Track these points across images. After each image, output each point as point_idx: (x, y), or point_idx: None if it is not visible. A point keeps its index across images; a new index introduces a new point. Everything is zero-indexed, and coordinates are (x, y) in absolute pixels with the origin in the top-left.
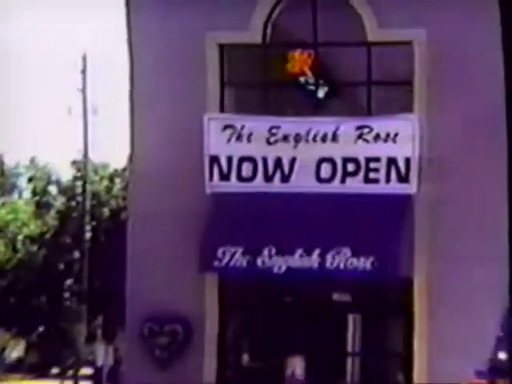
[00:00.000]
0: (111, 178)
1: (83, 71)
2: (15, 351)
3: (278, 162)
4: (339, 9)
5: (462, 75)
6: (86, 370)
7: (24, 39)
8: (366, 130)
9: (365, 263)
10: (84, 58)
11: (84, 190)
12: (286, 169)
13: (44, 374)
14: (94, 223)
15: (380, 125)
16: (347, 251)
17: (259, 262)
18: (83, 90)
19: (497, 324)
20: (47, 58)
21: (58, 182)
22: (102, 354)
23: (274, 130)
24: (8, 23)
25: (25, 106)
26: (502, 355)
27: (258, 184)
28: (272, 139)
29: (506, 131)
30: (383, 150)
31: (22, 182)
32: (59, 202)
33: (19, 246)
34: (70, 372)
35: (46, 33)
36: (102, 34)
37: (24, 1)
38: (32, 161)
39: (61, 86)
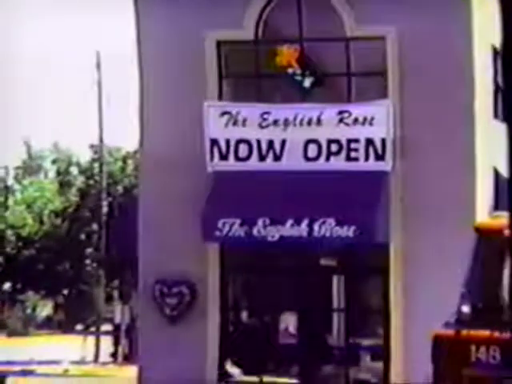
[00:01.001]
0: (124, 160)
1: (98, 65)
2: (44, 310)
3: (270, 144)
4: (321, 9)
5: (428, 66)
6: (106, 327)
7: (47, 37)
8: (347, 115)
9: (347, 231)
10: (98, 54)
11: (101, 170)
12: (278, 149)
13: (70, 330)
14: (109, 199)
15: (358, 110)
16: (332, 221)
17: (255, 231)
18: (98, 82)
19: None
20: (69, 54)
21: (78, 164)
22: (119, 313)
23: (265, 116)
24: (31, 23)
25: (48, 97)
26: (465, 308)
27: (253, 163)
28: (264, 124)
29: (471, 116)
30: (362, 132)
31: (47, 164)
32: (79, 181)
33: (45, 219)
34: (93, 328)
35: (65, 32)
36: (115, 32)
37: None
38: (55, 145)
39: (78, 79)
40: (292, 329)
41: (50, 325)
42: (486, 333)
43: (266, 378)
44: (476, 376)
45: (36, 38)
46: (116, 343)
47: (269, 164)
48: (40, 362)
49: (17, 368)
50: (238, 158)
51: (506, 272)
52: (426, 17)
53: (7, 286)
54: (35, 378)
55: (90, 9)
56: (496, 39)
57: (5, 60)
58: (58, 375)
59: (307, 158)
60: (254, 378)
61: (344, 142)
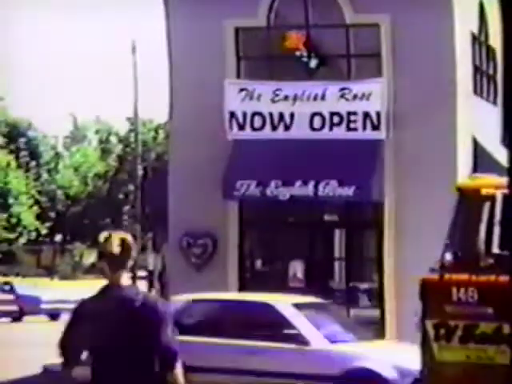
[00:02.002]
0: (156, 130)
1: (133, 50)
2: (89, 258)
3: (281, 116)
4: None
5: (417, 49)
6: (141, 273)
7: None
8: (347, 91)
9: (347, 191)
10: (133, 41)
11: (136, 139)
12: (287, 121)
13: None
14: (144, 164)
15: (357, 87)
16: (334, 182)
17: (268, 191)
18: (134, 64)
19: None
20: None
21: (116, 134)
22: (153, 261)
23: (277, 92)
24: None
25: (91, 77)
26: (448, 256)
27: (267, 133)
28: (276, 99)
29: (453, 91)
30: (360, 106)
31: (91, 133)
32: (118, 149)
33: (89, 181)
34: (130, 274)
35: (104, 22)
36: (148, 21)
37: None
38: (97, 118)
39: (117, 62)
40: (300, 274)
41: (94, 270)
42: (465, 277)
43: None
44: (456, 312)
45: (79, 30)
46: (150, 286)
47: (280, 133)
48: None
49: (69, 306)
50: (253, 129)
51: (483, 225)
52: (414, 6)
53: (58, 237)
54: None
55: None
56: (474, 26)
57: (55, 50)
58: None
59: (313, 129)
60: None
61: (344, 115)
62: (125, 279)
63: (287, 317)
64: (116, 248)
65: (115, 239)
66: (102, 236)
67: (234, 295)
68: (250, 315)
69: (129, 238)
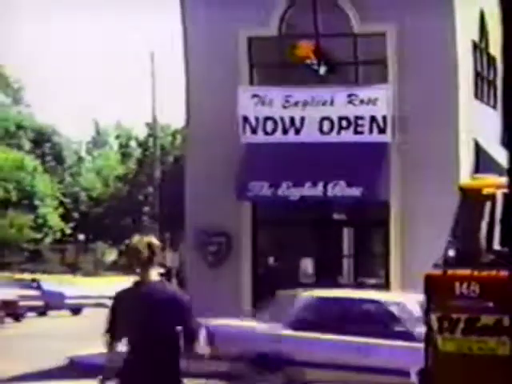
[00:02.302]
0: (173, 135)
1: (152, 59)
2: (110, 256)
3: (292, 121)
4: (332, 10)
5: (420, 56)
6: (159, 270)
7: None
8: (354, 97)
9: (355, 191)
10: (152, 54)
11: (154, 144)
12: (298, 125)
13: (130, 272)
14: (162, 167)
15: (364, 92)
16: (342, 183)
17: (280, 192)
18: (152, 72)
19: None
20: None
21: (136, 138)
22: (170, 258)
23: (288, 98)
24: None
25: (111, 84)
26: (451, 253)
27: (278, 136)
28: (287, 104)
29: (455, 96)
30: (367, 111)
31: (112, 139)
32: (137, 153)
33: (110, 183)
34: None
35: (123, 30)
36: (166, 31)
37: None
38: (118, 124)
39: (136, 70)
40: (310, 271)
41: (115, 268)
42: (467, 272)
43: None
44: (459, 306)
45: (99, 37)
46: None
47: (291, 137)
48: (109, 297)
49: (91, 301)
50: (265, 133)
51: (484, 223)
52: (418, 16)
53: (81, 237)
54: (104, 309)
55: (148, 11)
56: (475, 35)
57: (77, 57)
58: None
59: (322, 132)
60: None
61: (352, 119)
62: (154, 275)
63: (397, 314)
64: (145, 250)
65: (144, 243)
66: (134, 240)
67: (346, 292)
68: (361, 312)
69: (155, 241)
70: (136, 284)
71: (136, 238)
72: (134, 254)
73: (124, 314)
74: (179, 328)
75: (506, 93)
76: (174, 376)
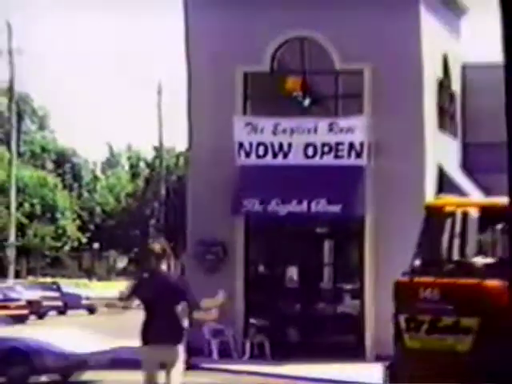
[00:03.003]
0: (177, 157)
1: (159, 92)
2: (121, 263)
3: (281, 146)
4: (317, 50)
5: (393, 91)
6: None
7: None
8: (335, 126)
9: (335, 208)
10: (159, 87)
11: (161, 165)
12: (286, 150)
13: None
14: (166, 185)
15: (343, 122)
16: (324, 201)
17: (269, 208)
18: (158, 104)
19: None
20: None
21: (144, 160)
22: (173, 265)
23: (277, 126)
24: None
25: (123, 112)
26: (417, 262)
27: (269, 160)
28: (276, 131)
29: (421, 127)
30: (346, 138)
31: (123, 160)
32: (145, 172)
33: (122, 199)
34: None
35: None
36: (172, 67)
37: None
38: (129, 147)
39: (143, 99)
40: (295, 277)
41: (125, 273)
42: (430, 279)
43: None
44: (423, 308)
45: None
46: None
47: (279, 160)
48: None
49: (103, 302)
50: (257, 156)
51: (445, 237)
52: (391, 57)
53: (96, 245)
54: (116, 310)
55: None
56: (439, 74)
57: (92, 87)
58: (131, 308)
59: (307, 156)
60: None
61: (333, 145)
62: (164, 267)
63: None
64: (158, 250)
65: (157, 245)
66: (152, 244)
67: None
68: None
69: (165, 244)
70: (151, 272)
71: (153, 243)
72: (151, 252)
73: (144, 291)
74: (183, 302)
75: (508, 87)
76: (177, 329)
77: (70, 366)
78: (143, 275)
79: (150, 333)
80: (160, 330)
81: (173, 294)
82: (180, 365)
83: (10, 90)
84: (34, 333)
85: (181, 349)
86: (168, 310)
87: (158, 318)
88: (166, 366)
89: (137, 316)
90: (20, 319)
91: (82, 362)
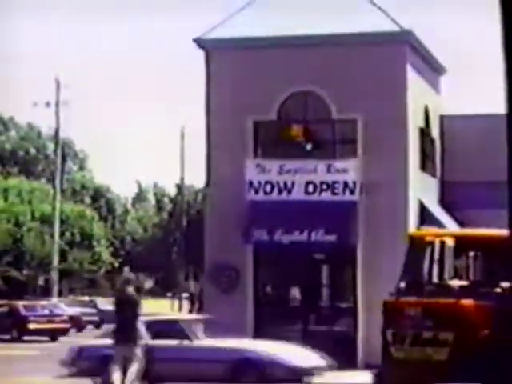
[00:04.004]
0: (196, 193)
1: (182, 137)
2: (148, 284)
3: (285, 184)
4: (318, 102)
5: (382, 138)
6: (185, 294)
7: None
8: (332, 167)
9: (332, 238)
10: (183, 132)
11: (182, 200)
12: (290, 187)
13: (163, 296)
14: (187, 218)
15: (339, 164)
16: (322, 231)
17: (275, 237)
18: (181, 148)
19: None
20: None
21: (168, 196)
22: (193, 286)
23: (283, 167)
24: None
25: (150, 155)
26: (402, 284)
27: (275, 196)
28: (282, 172)
29: (405, 168)
30: (341, 177)
31: (150, 195)
32: (169, 207)
33: (149, 229)
34: (176, 295)
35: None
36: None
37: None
38: (155, 184)
39: (168, 145)
40: (298, 297)
41: (152, 292)
42: (413, 299)
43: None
44: (407, 325)
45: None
46: (191, 304)
47: (284, 196)
48: (147, 314)
49: None
50: (265, 193)
51: (426, 262)
52: (380, 108)
53: (126, 269)
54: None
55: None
56: (421, 123)
57: (128, 132)
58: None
59: (307, 193)
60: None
61: (330, 183)
62: (130, 290)
63: None
64: (126, 278)
65: (125, 276)
66: (124, 274)
67: None
68: None
69: (131, 275)
70: (121, 292)
71: (123, 274)
72: (123, 280)
73: (117, 306)
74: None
75: (509, 96)
76: (135, 335)
77: (296, 379)
78: (117, 294)
79: (118, 334)
80: (124, 333)
81: (132, 308)
82: (137, 361)
83: (56, 136)
84: (261, 345)
85: (138, 349)
86: (129, 319)
87: (122, 324)
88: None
89: None
90: (62, 332)
91: (307, 375)
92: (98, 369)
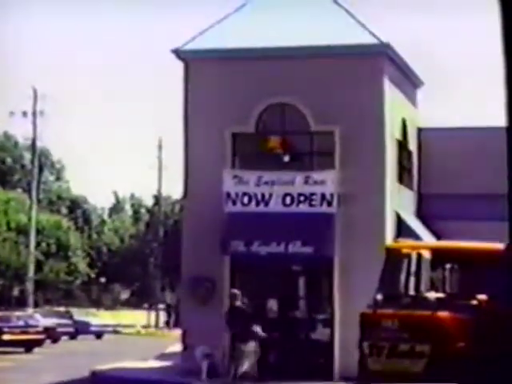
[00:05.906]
0: (173, 204)
1: (159, 147)
2: (125, 295)
3: (263, 196)
4: (295, 114)
5: (359, 150)
6: (161, 305)
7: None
8: (310, 179)
9: (309, 249)
10: (160, 143)
11: (159, 211)
12: (267, 199)
13: (140, 307)
14: (164, 228)
15: (317, 176)
16: (299, 243)
17: (252, 249)
18: (159, 158)
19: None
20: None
21: (145, 207)
22: (170, 297)
23: (260, 178)
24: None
25: (127, 166)
26: (379, 296)
27: (252, 207)
28: (259, 183)
29: (382, 181)
30: (318, 189)
31: (127, 206)
32: (146, 217)
33: (125, 240)
34: (153, 306)
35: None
36: (172, 127)
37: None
38: (132, 195)
39: (143, 155)
40: (274, 308)
41: (128, 303)
42: (390, 311)
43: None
44: (384, 336)
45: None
46: (168, 316)
47: (261, 208)
48: (123, 326)
49: (109, 329)
50: (242, 204)
51: (403, 275)
52: (357, 121)
53: (103, 280)
54: (120, 335)
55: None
56: (398, 135)
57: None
58: (133, 334)
59: (285, 205)
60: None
61: (308, 195)
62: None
63: None
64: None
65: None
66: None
67: None
68: None
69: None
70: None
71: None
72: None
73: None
74: None
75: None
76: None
77: None
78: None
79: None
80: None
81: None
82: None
83: (33, 146)
84: None
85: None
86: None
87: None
88: None
89: (140, 341)
90: (37, 343)
91: None
92: None
